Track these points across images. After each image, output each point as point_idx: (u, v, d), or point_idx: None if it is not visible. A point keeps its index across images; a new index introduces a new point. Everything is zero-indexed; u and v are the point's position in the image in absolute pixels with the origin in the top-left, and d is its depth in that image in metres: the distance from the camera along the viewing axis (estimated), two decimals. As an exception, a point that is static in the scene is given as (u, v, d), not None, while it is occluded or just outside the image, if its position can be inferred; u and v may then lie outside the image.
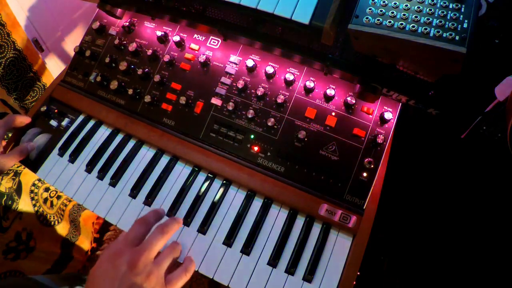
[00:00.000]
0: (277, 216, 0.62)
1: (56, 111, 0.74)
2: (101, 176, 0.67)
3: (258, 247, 0.60)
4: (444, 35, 0.44)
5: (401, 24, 0.46)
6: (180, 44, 0.70)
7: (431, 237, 0.88)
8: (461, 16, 0.45)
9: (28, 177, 0.93)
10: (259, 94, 0.64)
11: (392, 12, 0.48)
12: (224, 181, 0.65)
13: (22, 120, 0.71)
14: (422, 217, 0.90)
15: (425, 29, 0.45)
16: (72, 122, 0.73)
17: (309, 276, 0.57)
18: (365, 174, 0.61)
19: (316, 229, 0.60)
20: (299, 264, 0.58)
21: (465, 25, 0.44)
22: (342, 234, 0.60)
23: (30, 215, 0.94)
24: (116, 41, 0.73)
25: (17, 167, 0.87)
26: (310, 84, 0.63)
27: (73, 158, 0.69)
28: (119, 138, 0.71)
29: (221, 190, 0.64)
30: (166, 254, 0.52)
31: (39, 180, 0.98)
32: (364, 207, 0.60)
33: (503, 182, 0.71)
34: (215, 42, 0.71)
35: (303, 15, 0.53)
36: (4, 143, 0.71)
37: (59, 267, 1.09)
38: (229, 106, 0.65)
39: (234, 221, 0.61)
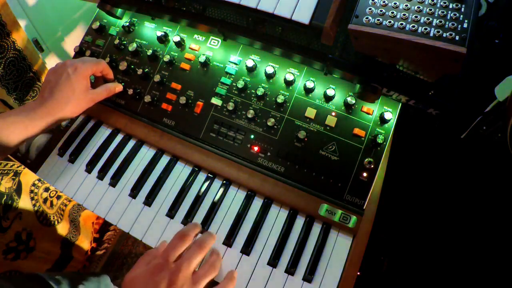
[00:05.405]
0: (277, 216, 0.62)
1: (56, 111, 0.74)
2: (101, 176, 0.67)
3: (258, 247, 0.60)
4: (444, 35, 0.44)
5: (401, 24, 0.46)
6: (180, 44, 0.70)
7: (431, 237, 0.88)
8: (461, 16, 0.45)
9: (28, 177, 0.93)
10: (259, 94, 0.64)
11: (392, 12, 0.48)
12: (224, 181, 0.65)
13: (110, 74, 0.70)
14: (422, 217, 0.90)
15: (425, 29, 0.45)
16: (72, 122, 0.73)
17: (309, 276, 0.57)
18: (365, 174, 0.61)
19: (316, 229, 0.60)
20: (299, 264, 0.58)
21: (465, 25, 0.44)
22: (342, 234, 0.60)
23: (30, 215, 0.94)
24: (116, 41, 0.73)
25: (17, 167, 0.87)
26: (310, 84, 0.63)
27: (73, 158, 0.69)
28: (119, 138, 0.71)
29: (221, 190, 0.64)
30: (205, 273, 0.53)
31: (39, 180, 0.98)
32: (364, 207, 0.60)
33: (503, 182, 0.71)
34: (215, 42, 0.71)
35: (303, 15, 0.53)
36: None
37: (59, 267, 1.09)
38: (229, 106, 0.65)
39: (234, 221, 0.61)
